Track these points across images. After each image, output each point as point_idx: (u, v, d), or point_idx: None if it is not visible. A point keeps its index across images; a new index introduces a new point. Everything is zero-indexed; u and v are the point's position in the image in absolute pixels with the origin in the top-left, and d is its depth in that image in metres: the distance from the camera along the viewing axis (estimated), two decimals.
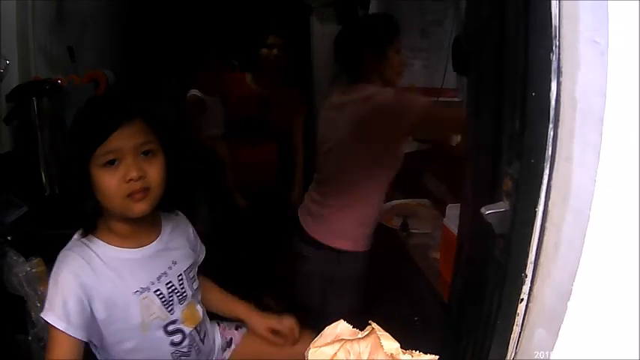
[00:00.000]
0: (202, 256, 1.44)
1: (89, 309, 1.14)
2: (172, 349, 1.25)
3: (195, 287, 1.33)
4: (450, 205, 1.74)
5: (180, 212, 1.39)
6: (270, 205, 2.94)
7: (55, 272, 1.16)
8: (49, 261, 1.25)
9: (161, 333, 1.23)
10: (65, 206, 1.32)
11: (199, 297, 1.36)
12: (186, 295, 1.28)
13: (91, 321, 1.15)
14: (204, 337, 1.34)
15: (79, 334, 1.12)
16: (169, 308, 1.24)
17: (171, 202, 1.28)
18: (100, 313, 1.15)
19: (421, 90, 2.55)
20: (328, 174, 1.98)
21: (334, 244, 1.92)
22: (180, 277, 1.28)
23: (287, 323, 1.41)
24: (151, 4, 3.29)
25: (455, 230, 1.56)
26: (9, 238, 1.86)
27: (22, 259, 1.72)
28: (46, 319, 1.11)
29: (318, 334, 0.87)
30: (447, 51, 2.51)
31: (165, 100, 2.99)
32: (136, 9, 3.24)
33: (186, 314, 1.28)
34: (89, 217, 1.19)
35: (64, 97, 2.21)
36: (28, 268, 1.69)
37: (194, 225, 1.43)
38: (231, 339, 1.44)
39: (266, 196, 2.94)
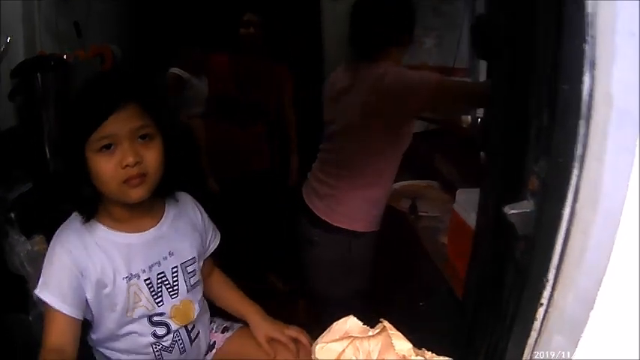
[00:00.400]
0: (214, 245, 1.39)
1: (82, 287, 1.13)
2: (153, 339, 1.21)
3: (192, 283, 1.27)
4: (460, 190, 1.69)
5: (187, 195, 1.35)
6: (259, 189, 2.92)
7: (50, 249, 1.16)
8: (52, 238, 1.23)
9: (145, 321, 1.20)
10: (62, 183, 1.27)
11: (199, 296, 1.30)
12: (178, 290, 1.23)
13: (84, 299, 1.14)
14: (196, 339, 1.29)
15: (74, 313, 1.11)
16: (158, 300, 1.20)
17: (169, 187, 1.24)
18: (89, 293, 1.14)
19: (432, 69, 2.49)
20: (336, 155, 1.94)
21: (346, 226, 1.89)
22: (174, 270, 1.23)
23: (291, 333, 1.32)
24: None
25: (465, 216, 1.53)
26: (12, 215, 1.84)
27: (23, 238, 1.70)
28: (40, 296, 1.11)
29: (325, 317, 0.85)
30: (459, 30, 2.45)
31: (160, 80, 2.95)
32: None
33: (178, 310, 1.23)
34: (89, 203, 1.16)
35: (70, 72, 2.17)
36: (30, 247, 1.67)
37: None
38: (214, 342, 1.38)
39: (254, 179, 2.92)
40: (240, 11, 2.79)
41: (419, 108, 1.84)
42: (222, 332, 1.38)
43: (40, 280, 1.14)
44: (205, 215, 1.37)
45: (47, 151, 2.14)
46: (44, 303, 1.12)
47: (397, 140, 1.86)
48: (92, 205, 1.16)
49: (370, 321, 0.84)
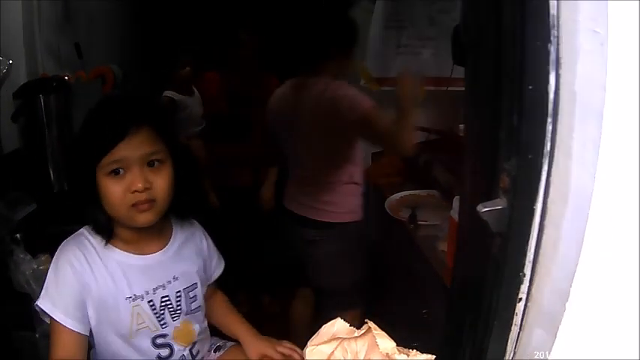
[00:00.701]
0: (218, 272, 1.40)
1: (84, 302, 1.13)
2: None
3: (193, 307, 1.26)
4: (457, 196, 1.71)
5: (196, 223, 1.35)
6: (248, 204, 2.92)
7: (54, 262, 1.16)
8: None
9: (148, 344, 1.19)
10: (73, 204, 1.29)
11: (200, 317, 1.30)
12: (180, 312, 1.23)
13: (87, 314, 1.14)
14: (198, 356, 1.29)
15: (77, 327, 1.12)
16: (162, 321, 1.20)
17: (179, 211, 1.23)
18: (92, 311, 1.14)
19: (430, 79, 2.51)
20: (301, 163, 2.11)
21: (337, 219, 2.05)
22: (178, 294, 1.23)
23: (283, 350, 1.32)
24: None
25: None
26: (18, 235, 1.87)
27: (28, 256, 1.73)
28: (42, 307, 1.11)
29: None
30: None
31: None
32: (141, 5, 3.24)
33: (179, 331, 1.23)
34: (105, 226, 1.15)
35: (71, 93, 2.21)
36: (35, 266, 1.70)
37: None
38: None
39: (246, 194, 2.92)
40: (233, 29, 2.84)
41: (347, 131, 1.94)
42: (215, 351, 1.38)
43: (42, 291, 1.13)
44: (211, 242, 1.37)
45: (51, 171, 2.18)
46: (46, 315, 1.12)
47: (349, 154, 2.00)
48: (107, 226, 1.15)
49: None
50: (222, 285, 1.46)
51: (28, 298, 1.67)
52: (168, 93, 2.88)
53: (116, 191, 1.08)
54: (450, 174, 2.31)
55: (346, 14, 2.13)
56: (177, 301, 1.22)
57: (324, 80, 1.94)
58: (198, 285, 1.28)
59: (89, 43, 2.67)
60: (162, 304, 1.20)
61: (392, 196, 2.28)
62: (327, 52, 1.95)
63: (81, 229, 1.20)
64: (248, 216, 2.90)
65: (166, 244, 1.24)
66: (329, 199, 2.05)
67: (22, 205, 1.97)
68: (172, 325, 1.22)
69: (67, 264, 1.13)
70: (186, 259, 1.27)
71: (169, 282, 1.22)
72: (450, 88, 2.33)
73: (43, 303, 1.12)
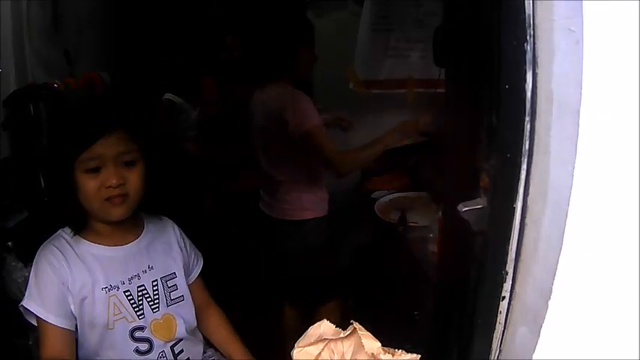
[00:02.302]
0: (198, 269, 1.41)
1: (67, 299, 1.18)
2: (137, 357, 1.22)
3: (174, 296, 1.29)
4: None
5: (168, 220, 1.39)
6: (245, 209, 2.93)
7: (34, 265, 1.21)
8: None
9: (126, 336, 1.22)
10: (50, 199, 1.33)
11: (186, 313, 1.31)
12: (158, 303, 1.26)
13: (70, 311, 1.18)
14: (181, 356, 1.29)
15: (63, 323, 1.16)
16: (139, 313, 1.23)
17: (151, 205, 1.30)
18: (73, 305, 1.18)
19: (418, 81, 2.52)
20: (270, 167, 2.16)
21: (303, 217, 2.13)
22: (154, 283, 1.27)
23: None
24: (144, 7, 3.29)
25: None
26: (9, 244, 1.87)
27: (20, 264, 1.72)
28: (27, 307, 1.16)
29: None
30: None
31: (149, 106, 3.01)
32: (130, 12, 3.24)
33: (159, 324, 1.25)
34: (77, 218, 1.22)
35: (61, 101, 2.20)
36: (27, 274, 1.69)
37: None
38: None
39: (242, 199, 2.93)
40: (222, 35, 2.86)
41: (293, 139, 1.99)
42: None
43: (26, 292, 1.19)
44: (187, 238, 1.41)
45: (42, 180, 2.17)
46: (32, 315, 1.16)
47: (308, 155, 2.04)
48: (80, 219, 1.22)
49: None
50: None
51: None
52: (168, 95, 2.90)
53: (92, 186, 1.16)
54: (439, 175, 2.31)
55: (302, 13, 2.21)
56: (155, 291, 1.27)
57: (287, 88, 2.01)
58: (177, 275, 1.32)
59: (78, 50, 2.67)
60: (140, 293, 1.24)
61: (381, 199, 2.28)
62: (289, 51, 2.01)
63: (58, 231, 1.26)
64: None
65: (139, 236, 1.30)
66: (287, 198, 2.14)
67: (13, 213, 1.97)
68: (152, 317, 1.25)
69: (46, 263, 1.19)
70: (160, 251, 1.32)
71: (144, 271, 1.27)
72: (438, 91, 2.34)
73: (28, 303, 1.17)
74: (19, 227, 1.92)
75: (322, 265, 2.17)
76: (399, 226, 2.05)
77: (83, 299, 1.18)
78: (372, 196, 2.29)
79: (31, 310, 1.16)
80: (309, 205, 2.15)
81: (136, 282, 1.24)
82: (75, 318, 1.19)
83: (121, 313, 1.21)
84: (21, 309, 1.19)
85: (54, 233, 1.34)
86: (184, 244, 1.39)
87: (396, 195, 2.33)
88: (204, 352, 1.39)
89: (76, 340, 1.21)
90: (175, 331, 1.28)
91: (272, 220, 2.20)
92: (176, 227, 1.40)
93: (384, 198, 2.26)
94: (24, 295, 1.66)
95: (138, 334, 1.23)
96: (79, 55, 2.64)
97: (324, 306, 2.17)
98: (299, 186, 2.13)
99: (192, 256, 1.41)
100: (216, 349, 1.42)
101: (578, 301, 0.63)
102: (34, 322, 1.19)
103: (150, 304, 1.25)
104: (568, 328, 0.64)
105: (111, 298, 1.20)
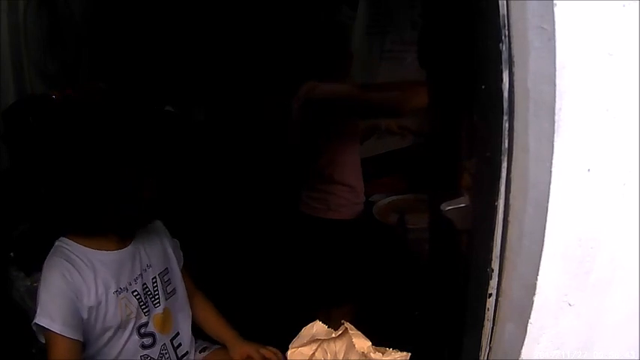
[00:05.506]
0: (181, 260, 1.47)
1: (78, 309, 1.19)
2: (142, 352, 1.29)
3: (169, 290, 1.37)
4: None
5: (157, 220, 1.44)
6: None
7: (43, 278, 1.21)
8: None
9: (134, 333, 1.27)
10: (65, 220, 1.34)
11: (177, 307, 1.39)
12: (159, 298, 1.33)
13: (81, 320, 1.20)
14: (184, 357, 1.36)
15: (76, 335, 1.17)
16: (145, 310, 1.29)
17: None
18: (85, 313, 1.20)
19: (411, 84, 2.52)
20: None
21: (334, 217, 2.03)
22: (154, 280, 1.33)
23: (265, 353, 1.39)
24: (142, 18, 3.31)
25: None
26: (12, 254, 1.88)
27: (22, 274, 1.74)
28: (41, 324, 1.15)
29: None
30: None
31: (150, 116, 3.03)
32: (128, 23, 3.25)
33: (159, 319, 1.32)
34: (89, 227, 1.24)
35: (60, 112, 2.22)
36: (29, 283, 1.71)
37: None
38: None
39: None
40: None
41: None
42: (201, 352, 1.45)
43: (38, 309, 1.17)
44: (169, 237, 1.45)
45: (42, 190, 2.18)
46: (45, 331, 1.15)
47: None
48: (94, 225, 1.25)
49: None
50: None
51: (23, 315, 1.68)
52: (168, 107, 2.94)
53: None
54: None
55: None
56: (154, 287, 1.33)
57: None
58: (169, 269, 1.39)
59: (77, 61, 2.69)
60: (145, 291, 1.30)
61: (380, 202, 2.27)
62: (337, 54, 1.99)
63: (55, 244, 1.27)
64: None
65: (133, 238, 1.33)
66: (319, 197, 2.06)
67: (14, 224, 1.98)
68: (154, 312, 1.31)
69: (58, 277, 1.19)
70: (155, 248, 1.38)
71: (145, 270, 1.32)
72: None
73: (40, 320, 1.16)
74: (20, 238, 1.94)
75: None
76: (398, 228, 2.05)
77: (98, 305, 1.21)
78: (369, 199, 2.26)
79: (44, 325, 1.15)
80: (336, 206, 2.07)
81: (141, 281, 1.30)
82: (82, 327, 1.20)
83: (131, 312, 1.26)
84: (34, 327, 1.18)
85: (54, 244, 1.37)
86: (169, 238, 1.44)
87: (394, 197, 2.33)
88: (195, 342, 1.46)
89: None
90: (174, 324, 1.35)
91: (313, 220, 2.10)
92: (161, 223, 1.45)
93: (383, 201, 2.26)
94: (26, 303, 1.69)
95: (143, 329, 1.29)
96: (77, 67, 2.66)
97: (339, 309, 2.09)
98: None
99: (175, 247, 1.46)
100: (204, 339, 1.48)
101: (562, 296, 0.64)
102: (43, 340, 1.19)
103: (152, 300, 1.31)
104: (552, 324, 0.65)
105: (122, 299, 1.25)
